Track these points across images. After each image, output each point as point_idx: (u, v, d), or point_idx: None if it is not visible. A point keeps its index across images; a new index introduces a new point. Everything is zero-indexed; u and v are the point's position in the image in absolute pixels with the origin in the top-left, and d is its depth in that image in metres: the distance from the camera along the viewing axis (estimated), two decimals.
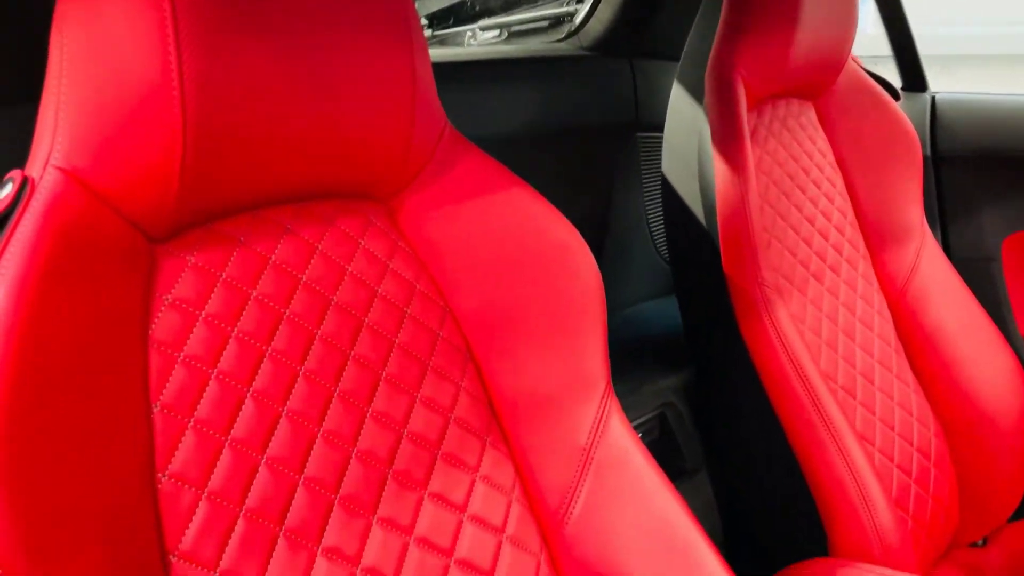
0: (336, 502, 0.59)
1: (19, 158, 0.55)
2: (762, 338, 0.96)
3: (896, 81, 1.56)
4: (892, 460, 1.05)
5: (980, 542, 1.21)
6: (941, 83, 1.58)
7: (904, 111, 1.32)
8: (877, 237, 1.24)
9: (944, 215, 1.59)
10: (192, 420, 0.55)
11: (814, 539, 0.95)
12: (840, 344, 1.08)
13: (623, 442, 0.71)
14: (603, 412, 0.71)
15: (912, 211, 1.27)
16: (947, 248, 1.57)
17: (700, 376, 1.13)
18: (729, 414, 1.08)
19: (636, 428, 1.00)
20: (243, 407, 0.57)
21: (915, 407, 1.13)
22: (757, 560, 0.99)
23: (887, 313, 1.20)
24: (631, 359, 1.16)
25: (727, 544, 1.12)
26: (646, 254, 1.46)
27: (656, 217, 1.46)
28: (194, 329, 0.57)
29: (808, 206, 1.15)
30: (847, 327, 1.10)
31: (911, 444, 1.09)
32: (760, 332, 0.97)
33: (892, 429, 1.07)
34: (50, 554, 0.43)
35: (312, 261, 0.65)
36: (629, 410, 0.83)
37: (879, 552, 0.89)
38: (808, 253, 1.11)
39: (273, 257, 0.63)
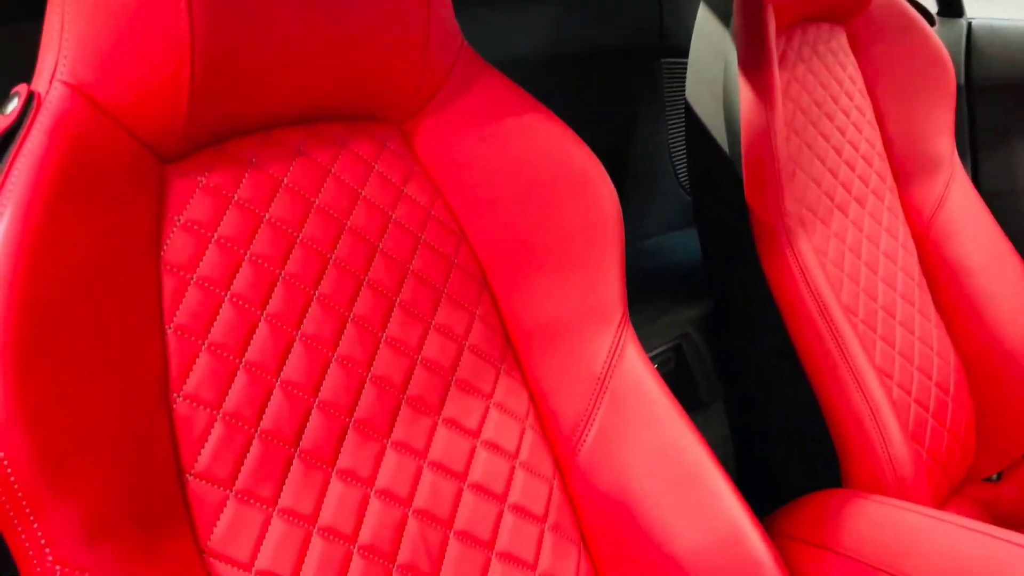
0: (350, 426, 0.59)
1: (24, 79, 0.54)
2: (783, 270, 0.95)
3: (932, 5, 1.50)
4: (910, 394, 1.04)
5: (994, 477, 1.21)
6: (978, 9, 1.52)
7: (939, 37, 1.26)
8: (905, 168, 1.21)
9: (975, 147, 1.55)
10: (206, 342, 0.54)
11: (828, 472, 0.95)
12: (862, 278, 1.06)
13: (638, 371, 0.70)
14: (619, 341, 0.70)
15: (942, 142, 1.23)
16: (976, 181, 1.53)
17: (718, 308, 1.12)
18: (747, 346, 1.07)
19: (652, 359, 1.00)
20: (257, 330, 0.57)
21: (936, 341, 1.11)
22: (770, 492, 0.99)
23: (912, 246, 1.18)
24: (649, 290, 1.15)
25: (740, 476, 1.12)
26: (667, 185, 1.43)
27: (679, 147, 1.43)
28: (207, 251, 0.56)
29: (836, 135, 1.12)
30: (870, 260, 1.08)
31: (930, 378, 1.08)
32: (781, 264, 0.95)
33: (911, 363, 1.06)
34: (65, 469, 0.44)
35: (325, 184, 0.64)
36: (646, 341, 0.82)
37: (893, 485, 0.89)
38: (833, 184, 1.08)
39: (285, 180, 0.62)
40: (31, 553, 0.42)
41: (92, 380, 0.47)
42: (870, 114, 1.20)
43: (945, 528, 0.74)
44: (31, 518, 0.42)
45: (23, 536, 0.42)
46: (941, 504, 1.11)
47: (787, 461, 1.05)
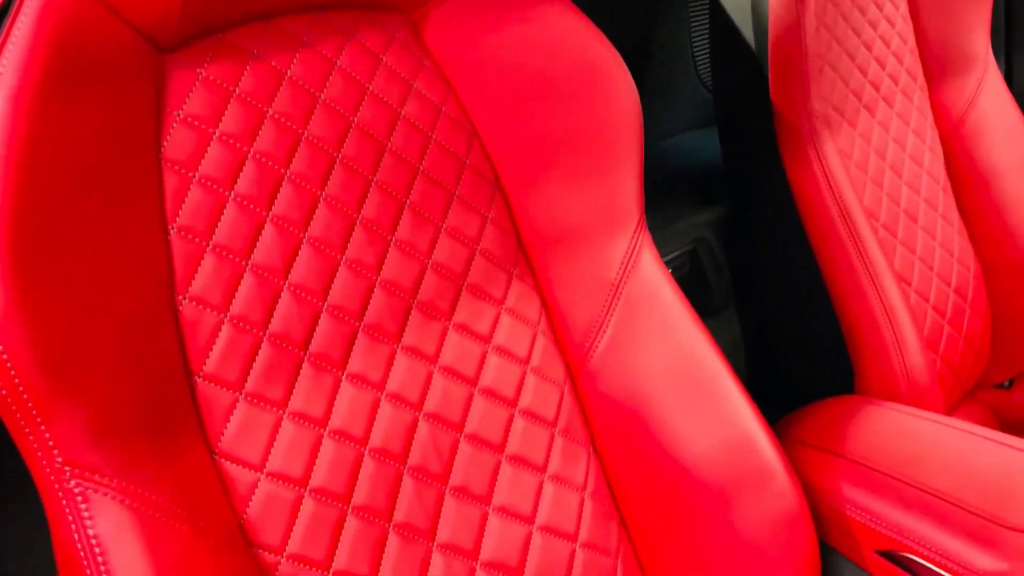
0: (360, 330, 0.59)
1: None
2: (806, 173, 0.92)
3: None
4: (927, 300, 1.03)
5: (1006, 384, 1.21)
6: None
7: None
8: (937, 65, 1.15)
9: (1011, 44, 1.48)
10: (211, 244, 0.53)
11: (841, 378, 0.94)
12: (886, 181, 1.03)
13: (654, 278, 0.68)
14: (635, 247, 0.69)
15: (978, 38, 1.17)
16: (1010, 80, 1.47)
17: (736, 211, 1.10)
18: (764, 250, 1.05)
19: (666, 264, 0.98)
20: (263, 231, 0.55)
21: (957, 247, 1.09)
22: (781, 398, 0.99)
23: (939, 148, 1.14)
24: (665, 192, 1.12)
25: (751, 382, 1.12)
26: (687, 82, 1.37)
27: (701, 42, 1.37)
28: (209, 148, 0.54)
29: (867, 30, 1.06)
30: (895, 163, 1.05)
31: (948, 285, 1.06)
32: (804, 167, 0.92)
33: (931, 269, 1.04)
34: (69, 368, 0.43)
35: (330, 78, 0.61)
36: (660, 245, 0.80)
37: (906, 392, 0.88)
38: (862, 82, 1.03)
39: (289, 72, 0.59)
40: (40, 454, 0.42)
41: (93, 278, 0.45)
42: (904, 8, 1.14)
43: (957, 436, 0.74)
44: (37, 419, 0.42)
45: (31, 438, 0.42)
46: (951, 410, 1.11)
47: (800, 367, 1.05)
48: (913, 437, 0.75)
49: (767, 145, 0.95)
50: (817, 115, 0.93)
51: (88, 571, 0.42)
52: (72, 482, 0.42)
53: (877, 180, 1.02)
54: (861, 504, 0.71)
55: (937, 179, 1.10)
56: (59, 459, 0.42)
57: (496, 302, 0.66)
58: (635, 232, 0.69)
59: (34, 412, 0.41)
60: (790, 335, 1.05)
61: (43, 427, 0.42)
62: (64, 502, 0.42)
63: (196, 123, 0.54)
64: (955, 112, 1.16)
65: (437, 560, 0.58)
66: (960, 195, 1.14)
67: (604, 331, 0.68)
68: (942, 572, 0.66)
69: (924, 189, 1.08)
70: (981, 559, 0.64)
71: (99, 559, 0.41)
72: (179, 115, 0.53)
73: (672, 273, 0.95)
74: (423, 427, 0.60)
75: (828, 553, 0.73)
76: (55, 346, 0.43)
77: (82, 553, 0.42)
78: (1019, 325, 1.14)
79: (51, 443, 0.42)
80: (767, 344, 1.10)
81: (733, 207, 1.09)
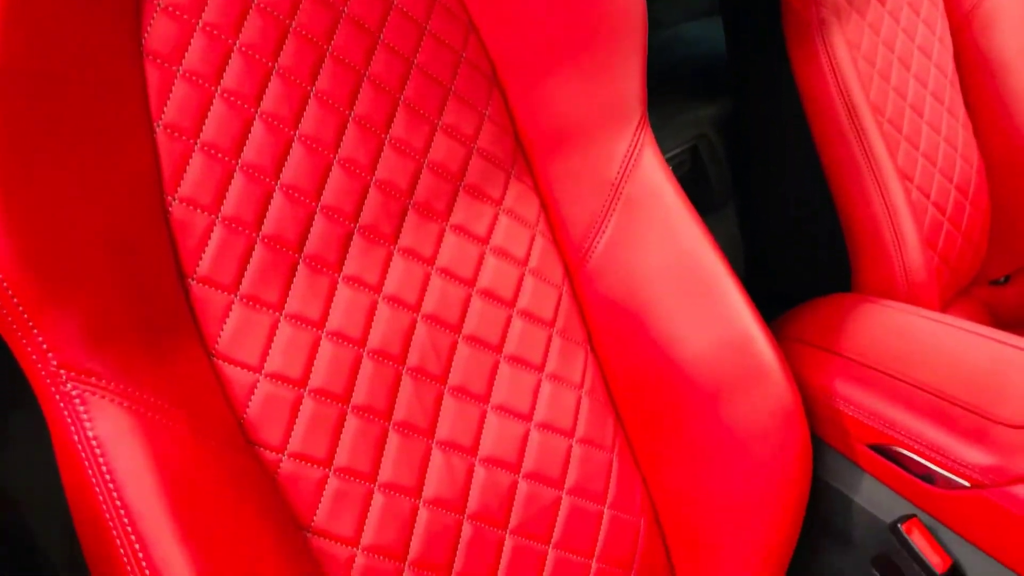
0: (355, 231, 0.57)
1: None
2: (812, 65, 0.89)
3: None
4: (928, 197, 1.01)
5: (1002, 280, 1.21)
6: None
7: None
8: None
9: None
10: (198, 142, 0.51)
11: (839, 276, 0.94)
12: (894, 74, 1.00)
13: (655, 177, 0.67)
14: (636, 144, 0.67)
15: None
16: None
17: (739, 104, 1.07)
18: (766, 145, 1.02)
19: (667, 161, 0.96)
20: (252, 129, 0.53)
21: (961, 142, 1.07)
22: (779, 296, 0.99)
23: (948, 41, 1.10)
24: (666, 86, 1.08)
25: (749, 280, 1.12)
26: None
27: None
28: (192, 40, 0.52)
29: None
30: (904, 55, 1.02)
31: (950, 181, 1.04)
32: (811, 59, 0.89)
33: (934, 165, 1.02)
34: (59, 271, 0.42)
35: None
36: (660, 142, 0.78)
37: (904, 290, 0.88)
38: None
39: None
40: (35, 358, 0.42)
41: (78, 179, 0.44)
42: None
43: (953, 334, 0.74)
44: (30, 323, 0.41)
45: (25, 342, 0.42)
46: (946, 307, 1.12)
47: (799, 265, 1.04)
48: (908, 334, 0.76)
49: (774, 35, 0.92)
50: (826, 4, 0.89)
51: (90, 472, 0.42)
52: (69, 385, 0.42)
53: (884, 73, 0.99)
54: (854, 400, 0.72)
55: (945, 72, 1.07)
56: (54, 362, 0.42)
57: (494, 202, 0.65)
58: (637, 129, 0.67)
59: (26, 316, 0.41)
60: (790, 233, 1.04)
61: (36, 331, 0.41)
62: (62, 405, 0.42)
63: (178, 12, 0.51)
64: (967, 1, 1.11)
65: (437, 457, 0.59)
66: (967, 88, 1.11)
67: (603, 231, 0.67)
68: (931, 465, 0.67)
69: (931, 82, 1.05)
70: (970, 453, 0.65)
71: (100, 460, 0.42)
72: (159, 4, 0.51)
73: (672, 171, 0.94)
74: (421, 328, 0.60)
75: (820, 448, 0.75)
76: (43, 249, 0.42)
77: (83, 455, 0.42)
78: (1019, 221, 1.13)
79: (45, 347, 0.41)
80: (766, 242, 1.10)
81: (735, 102, 1.06)
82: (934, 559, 0.66)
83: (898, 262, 0.88)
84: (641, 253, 0.67)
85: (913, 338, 0.75)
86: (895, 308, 0.79)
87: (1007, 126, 1.10)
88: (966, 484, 0.65)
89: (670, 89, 1.07)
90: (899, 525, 0.68)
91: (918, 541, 0.67)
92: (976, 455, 0.65)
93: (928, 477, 0.68)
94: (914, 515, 0.69)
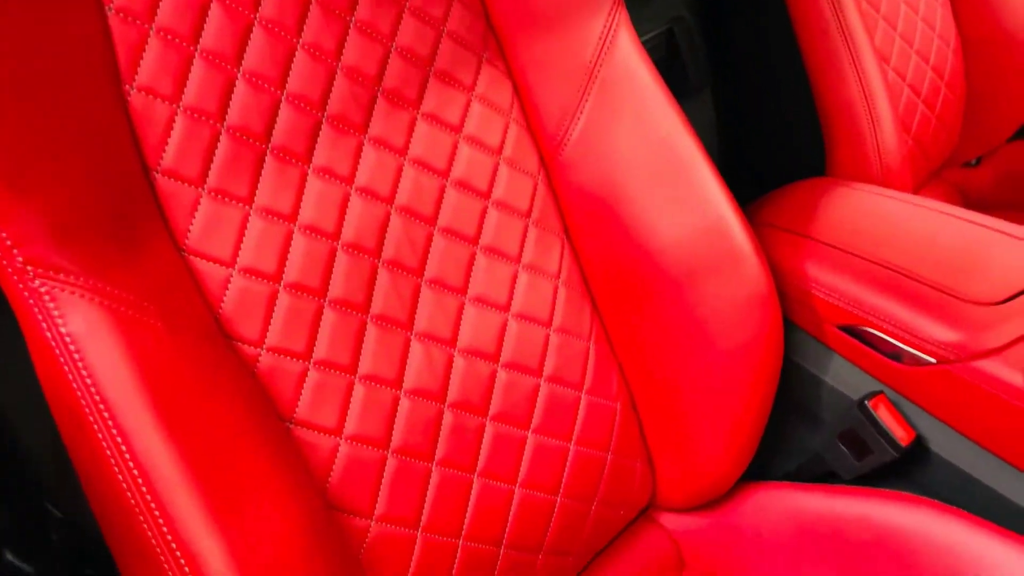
0: (324, 120, 0.56)
1: None
2: None
3: None
4: (904, 79, 1.00)
5: (973, 162, 1.22)
6: None
7: None
8: None
9: None
10: (153, 26, 0.49)
11: (814, 160, 0.94)
12: None
13: (631, 59, 0.65)
14: (611, 25, 0.65)
15: None
16: None
17: None
18: (743, 27, 1.00)
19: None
20: (209, 12, 0.51)
21: (939, 22, 1.05)
22: (754, 181, 0.99)
23: None
24: None
25: (724, 165, 1.11)
26: None
27: None
28: None
29: None
30: None
31: (927, 62, 1.03)
32: None
33: (911, 46, 1.01)
34: (19, 166, 0.41)
35: None
36: (635, 25, 0.76)
37: (877, 173, 0.89)
38: None
39: None
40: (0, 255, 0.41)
41: (29, 68, 0.42)
42: None
43: (925, 215, 0.75)
44: None
45: None
46: (917, 189, 1.12)
47: (774, 150, 1.04)
48: (880, 216, 0.76)
49: None
50: None
51: (66, 369, 0.42)
52: (37, 282, 0.41)
53: None
54: (826, 282, 0.73)
55: None
56: (20, 259, 0.41)
57: (466, 89, 0.63)
58: (612, 9, 0.64)
59: None
60: (766, 117, 1.03)
61: None
62: (32, 302, 0.41)
63: None
64: None
65: (416, 348, 0.59)
66: None
67: (578, 118, 0.66)
68: (899, 344, 0.69)
69: None
70: (938, 330, 0.67)
71: (75, 356, 0.41)
72: None
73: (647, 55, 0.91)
74: (396, 221, 0.59)
75: (792, 330, 0.77)
76: (2, 143, 0.40)
77: (57, 351, 0.42)
78: (993, 103, 1.13)
79: (9, 243, 0.40)
80: (743, 126, 1.09)
81: None
82: (899, 432, 0.69)
83: (872, 145, 0.88)
84: (616, 140, 0.66)
85: (885, 220, 0.75)
86: (868, 191, 0.80)
87: (985, 7, 1.09)
88: (932, 360, 0.67)
89: None
90: (866, 402, 0.71)
91: (884, 416, 0.70)
92: (944, 332, 0.67)
93: (896, 355, 0.70)
94: (881, 392, 0.71)
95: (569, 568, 0.70)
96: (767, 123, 1.03)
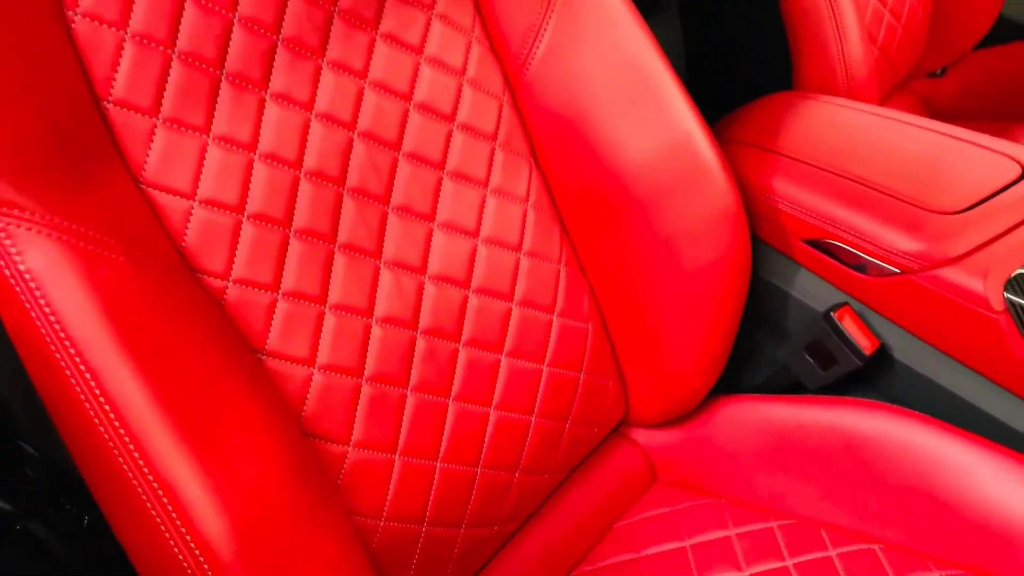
0: (279, 44, 0.54)
1: None
2: None
3: None
4: None
5: (939, 72, 1.22)
6: None
7: None
8: None
9: None
10: None
11: (780, 74, 0.93)
12: None
13: None
14: None
15: None
16: None
17: None
18: None
19: None
20: None
21: None
22: (721, 97, 0.98)
23: None
24: None
25: (691, 82, 1.10)
26: None
27: None
28: None
29: None
30: None
31: None
32: None
33: None
34: None
35: None
36: None
37: (843, 85, 0.88)
38: None
39: None
40: None
41: None
42: None
43: (891, 126, 0.75)
44: None
45: None
46: (884, 99, 1.12)
47: (741, 65, 1.03)
48: (846, 129, 0.76)
49: None
50: None
51: (28, 306, 0.41)
52: None
53: None
54: (792, 197, 0.74)
55: None
56: None
57: (425, 7, 0.61)
58: None
59: None
60: (733, 31, 1.02)
61: None
62: None
63: None
64: None
65: (385, 276, 0.59)
66: None
67: (542, 36, 0.65)
68: (864, 255, 0.70)
69: None
70: (902, 240, 0.68)
71: (37, 292, 0.41)
72: None
73: None
74: (359, 147, 0.58)
75: (758, 245, 0.77)
76: None
77: (18, 289, 0.41)
78: (957, 11, 1.12)
79: None
80: (709, 42, 1.07)
81: None
82: (863, 342, 0.71)
83: (838, 57, 0.87)
84: (581, 58, 0.65)
85: (850, 133, 0.75)
86: (834, 103, 0.80)
87: None
88: (896, 271, 0.69)
89: None
90: (831, 313, 0.72)
91: (849, 326, 0.71)
92: (907, 242, 0.68)
93: (860, 267, 0.71)
94: (846, 303, 0.72)
95: (544, 485, 0.72)
96: (735, 38, 1.02)
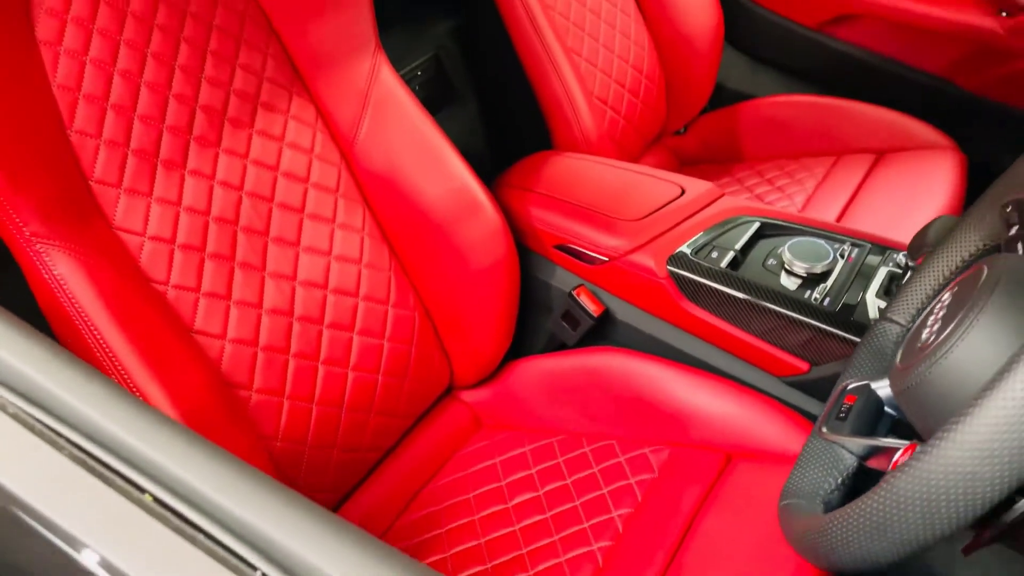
0: (192, 140, 0.87)
1: None
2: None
3: None
4: (610, 76, 1.41)
5: (682, 130, 1.65)
6: None
7: None
8: None
9: None
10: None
11: (543, 141, 1.33)
12: None
13: (391, 84, 1.00)
14: (375, 63, 0.99)
15: None
16: None
17: (470, 19, 1.40)
18: (489, 47, 1.36)
19: (416, 68, 1.29)
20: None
21: (633, 32, 1.46)
22: (508, 158, 1.36)
23: None
24: (411, 9, 1.39)
25: (488, 146, 1.48)
26: None
27: None
28: None
29: None
30: None
31: (627, 62, 1.44)
32: None
33: (612, 52, 1.41)
34: (14, 168, 0.71)
35: None
36: (409, 54, 1.11)
37: (583, 145, 1.28)
38: None
39: None
40: (12, 229, 0.71)
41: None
42: None
43: (599, 168, 1.14)
44: (10, 210, 0.70)
45: (5, 219, 0.70)
46: (640, 155, 1.54)
47: (519, 135, 1.42)
48: (576, 172, 1.15)
49: None
50: None
51: (57, 294, 0.72)
52: (37, 245, 0.72)
53: None
54: (542, 218, 1.12)
55: None
56: (27, 232, 0.71)
57: (283, 112, 0.96)
58: (374, 53, 0.99)
59: (6, 204, 0.70)
60: (510, 112, 1.41)
61: (11, 212, 0.70)
62: (34, 258, 0.72)
63: None
64: None
65: (270, 283, 0.92)
66: None
67: (362, 124, 1.00)
68: (588, 251, 1.08)
69: None
70: (608, 240, 1.06)
71: (64, 287, 0.72)
72: None
73: (421, 76, 1.28)
74: (246, 201, 0.91)
75: (526, 252, 1.14)
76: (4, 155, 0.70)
77: (52, 286, 0.72)
78: (685, 86, 1.55)
79: (19, 222, 0.71)
80: (498, 120, 1.46)
81: (467, 17, 1.39)
82: (592, 308, 1.08)
83: (576, 125, 1.27)
84: (390, 137, 1.01)
85: (577, 174, 1.15)
86: (571, 157, 1.19)
87: (668, 14, 1.50)
88: (606, 259, 1.06)
89: (414, 11, 1.38)
90: (573, 292, 1.09)
91: (583, 300, 1.08)
92: (610, 240, 1.06)
93: (588, 260, 1.09)
94: (582, 284, 1.10)
95: (395, 428, 1.05)
96: (512, 116, 1.41)
